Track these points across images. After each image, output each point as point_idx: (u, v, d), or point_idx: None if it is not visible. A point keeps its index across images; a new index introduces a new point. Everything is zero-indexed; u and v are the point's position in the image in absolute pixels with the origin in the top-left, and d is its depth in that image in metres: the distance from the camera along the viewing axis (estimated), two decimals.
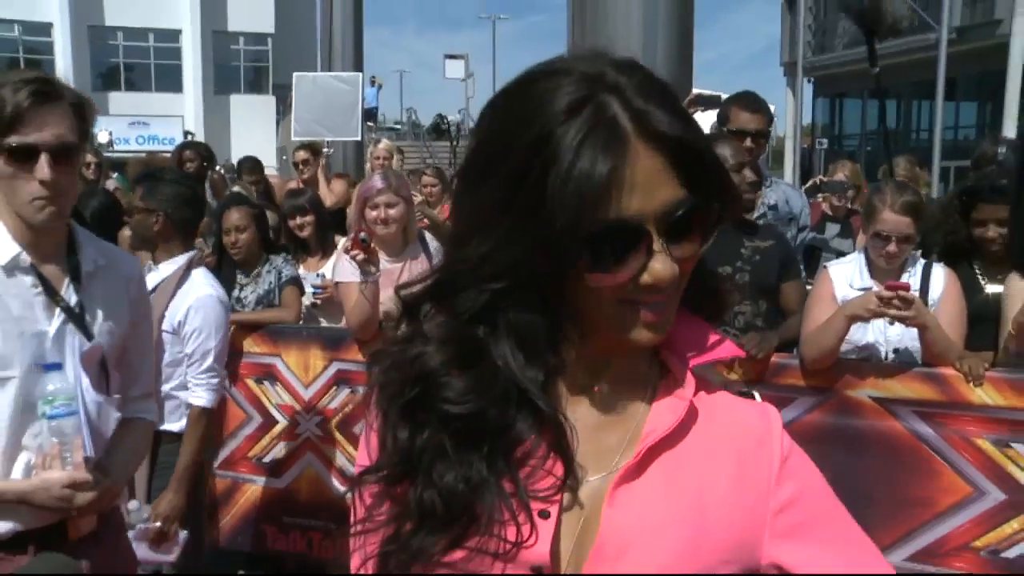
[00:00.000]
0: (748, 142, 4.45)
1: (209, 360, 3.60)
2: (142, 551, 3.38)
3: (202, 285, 3.64)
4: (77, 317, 2.29)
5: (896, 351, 3.75)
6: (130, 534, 3.28)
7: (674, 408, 1.08)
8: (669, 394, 1.10)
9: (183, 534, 3.48)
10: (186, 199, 3.73)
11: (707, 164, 1.01)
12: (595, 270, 0.99)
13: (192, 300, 3.57)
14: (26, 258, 2.23)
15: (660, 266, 0.99)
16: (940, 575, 3.60)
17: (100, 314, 2.35)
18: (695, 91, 5.16)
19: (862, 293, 3.68)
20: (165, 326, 3.54)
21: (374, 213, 4.31)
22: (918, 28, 20.75)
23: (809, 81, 30.63)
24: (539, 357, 1.05)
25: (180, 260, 3.64)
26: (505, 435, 1.03)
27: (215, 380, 3.63)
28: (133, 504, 3.40)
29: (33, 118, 2.09)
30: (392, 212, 4.31)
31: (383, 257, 4.38)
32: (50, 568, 2.19)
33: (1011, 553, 3.51)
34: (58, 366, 2.19)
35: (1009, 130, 20.04)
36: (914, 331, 3.62)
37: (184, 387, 3.62)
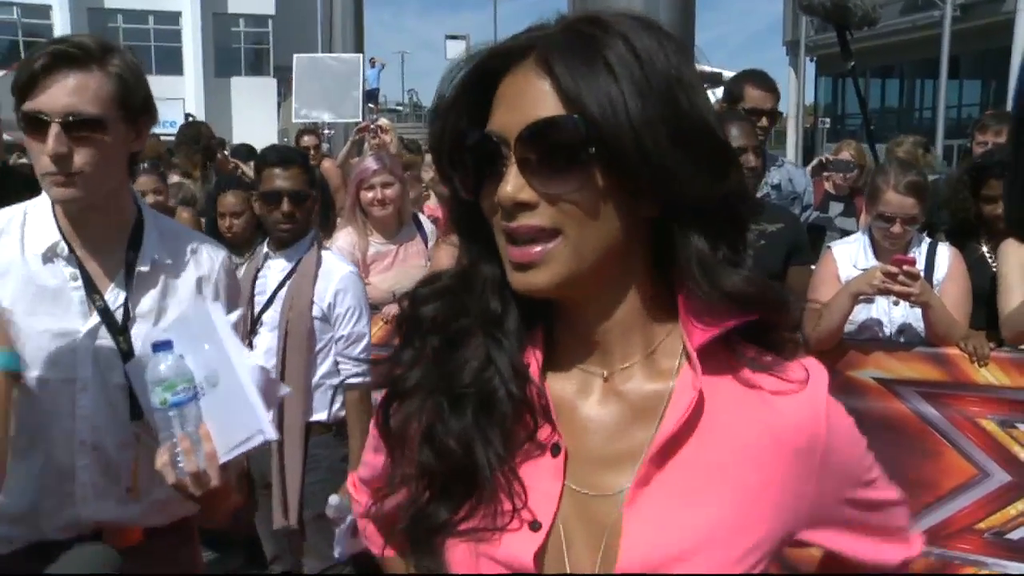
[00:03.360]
0: (763, 121, 4.37)
1: (365, 339, 3.43)
2: (356, 545, 3.23)
3: (341, 263, 3.48)
4: (114, 323, 2.01)
5: (901, 330, 3.71)
6: (339, 529, 3.25)
7: (684, 403, 0.99)
8: (687, 388, 1.00)
9: None
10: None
11: (593, 101, 0.92)
12: (475, 187, 1.00)
13: (337, 281, 3.38)
14: (64, 247, 1.99)
15: (503, 180, 0.94)
16: (944, 557, 3.58)
17: (151, 320, 2.05)
18: (697, 68, 5.09)
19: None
20: (315, 312, 3.36)
21: (370, 195, 4.27)
22: (922, 6, 20.65)
23: (812, 60, 30.51)
24: (511, 303, 1.04)
25: (306, 242, 3.44)
26: (487, 390, 1.02)
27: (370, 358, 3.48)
28: (335, 499, 3.30)
29: (46, 84, 1.87)
30: (389, 192, 4.27)
31: (378, 239, 4.35)
32: (89, 561, 1.99)
33: (1015, 535, 3.49)
34: (168, 345, 1.80)
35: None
36: (919, 313, 3.59)
37: (333, 374, 3.42)
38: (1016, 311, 3.53)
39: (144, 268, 2.05)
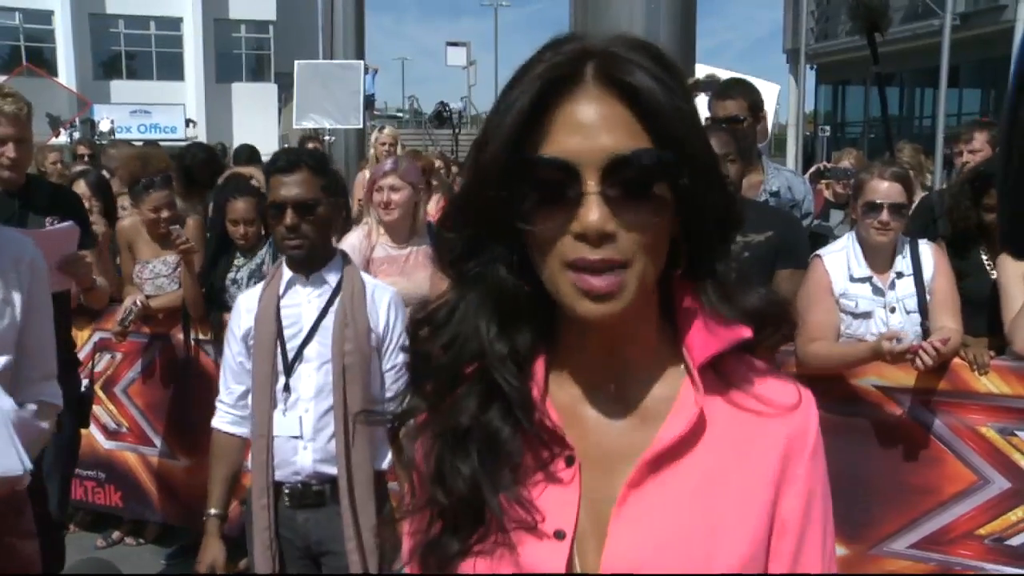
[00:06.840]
0: (745, 124, 4.42)
1: None
2: None
3: (381, 284, 3.15)
4: None
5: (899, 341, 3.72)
6: None
7: (685, 414, 1.01)
8: (688, 397, 1.03)
9: None
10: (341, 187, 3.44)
11: (676, 128, 0.94)
12: (527, 215, 0.95)
13: (386, 304, 3.02)
14: None
15: (586, 210, 0.91)
16: (945, 562, 3.60)
17: None
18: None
19: (861, 284, 3.67)
20: (372, 341, 2.98)
21: (378, 196, 4.24)
22: (922, 14, 20.66)
23: (812, 68, 30.49)
24: (515, 327, 1.03)
25: (338, 263, 3.03)
26: (489, 431, 1.01)
27: None
28: None
29: None
30: (395, 197, 4.20)
31: (388, 243, 4.33)
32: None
33: (1015, 541, 3.51)
34: None
35: None
36: (916, 319, 3.63)
37: None
38: (1018, 319, 3.55)
39: None
